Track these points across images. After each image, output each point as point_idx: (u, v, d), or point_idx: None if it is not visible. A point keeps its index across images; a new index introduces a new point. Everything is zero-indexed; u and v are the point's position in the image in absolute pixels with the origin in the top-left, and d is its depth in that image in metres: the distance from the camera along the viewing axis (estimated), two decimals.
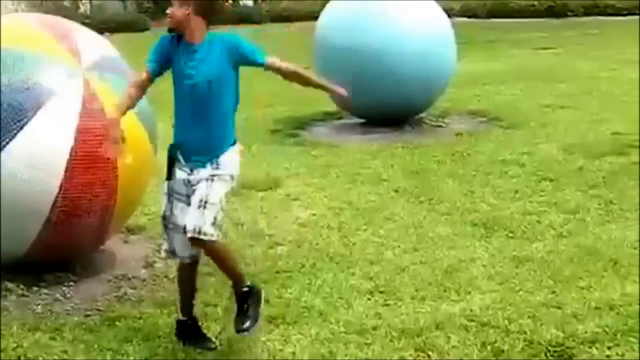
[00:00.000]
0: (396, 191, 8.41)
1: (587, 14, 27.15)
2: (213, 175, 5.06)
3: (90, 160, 5.77)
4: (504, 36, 22.56)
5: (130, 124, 5.83)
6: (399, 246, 6.88)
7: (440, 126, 11.52)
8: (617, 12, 27.08)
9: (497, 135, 10.72)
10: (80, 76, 5.89)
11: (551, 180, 8.61)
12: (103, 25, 23.35)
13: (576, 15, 27.06)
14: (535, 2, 27.40)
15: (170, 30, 5.02)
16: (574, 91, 13.79)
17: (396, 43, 10.86)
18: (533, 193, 8.19)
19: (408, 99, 11.03)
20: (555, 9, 27.09)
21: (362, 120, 11.76)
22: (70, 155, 5.72)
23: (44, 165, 5.71)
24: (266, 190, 8.59)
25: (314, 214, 7.81)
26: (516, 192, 8.25)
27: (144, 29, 26.45)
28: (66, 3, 27.28)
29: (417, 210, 7.82)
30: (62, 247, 6.06)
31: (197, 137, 5.01)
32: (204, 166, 5.03)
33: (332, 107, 12.30)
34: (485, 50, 19.34)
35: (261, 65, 5.38)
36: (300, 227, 7.45)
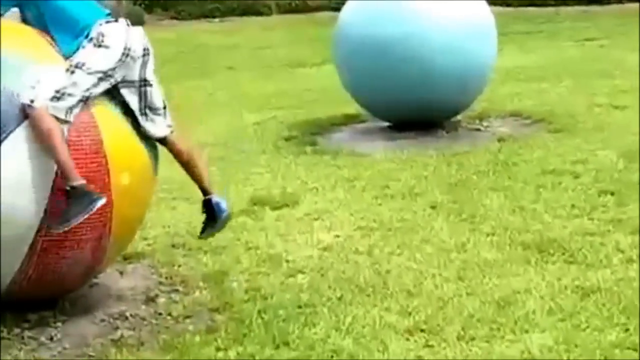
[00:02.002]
0: (432, 207, 8.02)
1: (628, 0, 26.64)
2: None
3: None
4: (540, 27, 22.10)
5: (124, 134, 5.50)
6: (440, 274, 6.50)
7: (479, 130, 11.13)
8: None
9: (546, 140, 10.31)
10: None
11: (612, 194, 8.19)
12: None
13: (620, 2, 26.56)
14: None
15: None
16: (627, 88, 13.34)
17: (427, 35, 10.47)
18: (592, 209, 7.79)
19: (441, 99, 10.63)
20: None
21: (387, 124, 11.36)
22: (57, 174, 5.34)
23: (26, 187, 5.33)
24: (282, 207, 8.22)
25: (339, 236, 7.44)
26: (573, 207, 7.85)
27: (139, 22, 26.14)
28: None
29: (458, 230, 7.43)
30: (47, 282, 5.69)
31: None
32: None
33: (352, 109, 11.94)
34: (520, 43, 18.86)
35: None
36: (323, 252, 7.08)
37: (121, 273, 6.77)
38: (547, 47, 18.09)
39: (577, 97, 12.90)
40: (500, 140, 10.44)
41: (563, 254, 6.80)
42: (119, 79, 5.62)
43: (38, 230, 5.42)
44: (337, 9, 25.65)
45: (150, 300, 6.27)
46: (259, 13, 26.99)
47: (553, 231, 7.29)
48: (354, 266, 6.72)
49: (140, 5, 26.20)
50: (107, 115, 5.60)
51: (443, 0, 10.70)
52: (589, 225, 7.38)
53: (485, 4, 11.18)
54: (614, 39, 19.00)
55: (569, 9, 25.26)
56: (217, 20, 26.81)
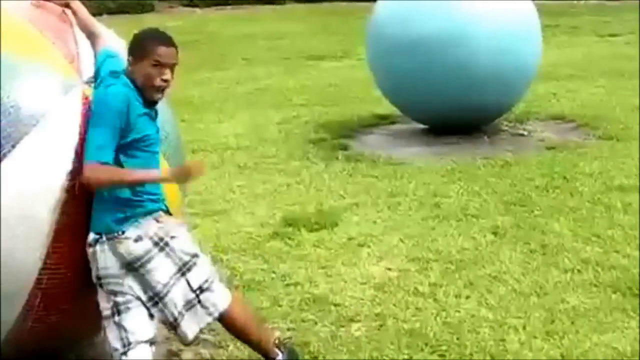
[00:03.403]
0: (494, 233, 6.58)
1: None
2: None
3: (87, 218, 3.98)
4: (559, 20, 20.49)
5: None
6: (523, 327, 5.09)
7: (522, 135, 9.66)
8: None
9: (599, 149, 8.87)
10: (79, 92, 4.10)
11: None
12: (104, 7, 21.49)
13: None
14: None
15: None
16: None
17: (468, 34, 9.02)
18: None
19: (483, 101, 9.21)
20: None
21: (422, 127, 9.90)
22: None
23: (23, 227, 3.89)
24: (320, 229, 6.78)
25: (391, 269, 6.00)
26: None
27: (149, 10, 24.81)
28: None
29: (530, 264, 6.00)
30: (49, 338, 4.28)
31: None
32: None
33: (384, 109, 10.50)
34: (543, 39, 17.34)
35: None
36: (377, 292, 5.65)
37: None
38: (570, 43, 16.58)
39: (616, 98, 11.45)
40: (549, 148, 8.99)
41: None
42: None
43: (37, 281, 3.96)
44: None
45: (173, 355, 4.83)
46: (272, 1, 25.43)
47: None
48: (417, 314, 5.30)
49: None
50: None
51: None
52: None
53: (530, 2, 9.68)
54: (637, 36, 17.46)
55: (585, 2, 23.76)
56: (229, 7, 25.24)
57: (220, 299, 4.23)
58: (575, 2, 23.69)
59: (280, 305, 5.49)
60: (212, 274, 4.26)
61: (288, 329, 5.17)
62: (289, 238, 6.56)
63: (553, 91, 11.82)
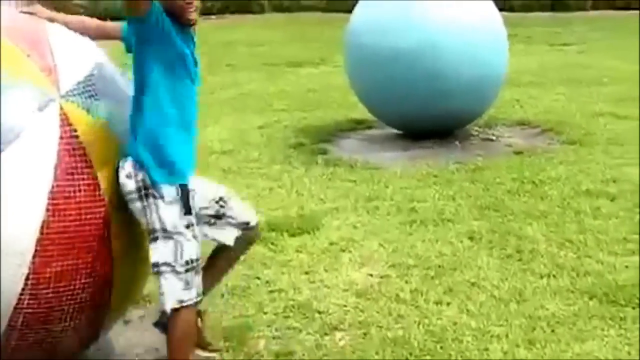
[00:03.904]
0: (470, 238, 6.15)
1: (594, 7, 24.81)
2: None
3: (71, 237, 3.48)
4: (515, 30, 20.08)
5: (111, 151, 3.58)
6: (506, 335, 4.68)
7: (491, 140, 9.23)
8: (626, 7, 24.77)
9: (564, 154, 8.45)
10: (56, 107, 3.58)
11: None
12: (100, 16, 20.83)
13: (583, 9, 24.72)
14: None
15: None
16: (621, 96, 11.51)
17: (439, 44, 8.58)
18: None
19: (456, 108, 8.79)
20: (562, 2, 24.76)
21: (397, 132, 9.45)
22: (42, 232, 3.43)
23: (3, 247, 3.40)
24: (302, 234, 6.31)
25: (373, 275, 5.56)
26: (626, 241, 6.01)
27: None
28: None
29: (507, 269, 5.59)
30: (33, 356, 3.79)
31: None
32: None
33: (360, 114, 10.05)
34: None
35: None
36: (359, 299, 5.20)
37: (126, 322, 4.86)
38: (528, 53, 16.11)
39: (576, 105, 11.05)
40: (517, 153, 8.57)
41: (638, 304, 4.96)
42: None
43: (17, 302, 3.48)
44: (327, 10, 24.16)
45: None
46: (252, 11, 24.88)
47: (616, 274, 5.47)
48: (399, 321, 4.87)
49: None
50: (103, 150, 3.64)
51: (454, 8, 8.76)
52: None
53: (497, 11, 9.26)
54: (589, 45, 17.14)
55: (536, 14, 23.37)
56: (214, 17, 24.67)
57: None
58: (527, 14, 23.29)
59: (265, 313, 5.04)
60: None
61: (273, 337, 4.72)
62: (272, 243, 6.11)
63: (516, 97, 11.40)
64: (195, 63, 3.93)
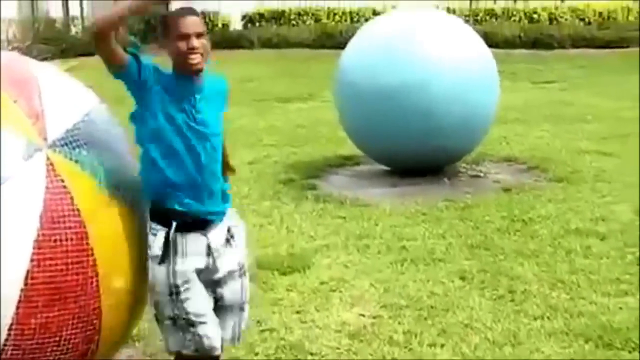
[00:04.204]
0: (462, 278, 5.94)
1: (574, 46, 24.79)
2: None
3: (57, 287, 3.25)
4: (500, 67, 20.01)
5: (115, 223, 3.34)
6: None
7: (479, 177, 9.03)
8: (605, 45, 24.78)
9: (552, 191, 8.26)
10: (43, 157, 3.34)
11: None
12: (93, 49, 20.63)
13: (563, 47, 24.68)
14: (522, 34, 24.99)
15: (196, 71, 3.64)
16: (605, 134, 11.38)
17: (429, 82, 8.38)
18: None
19: (445, 146, 8.57)
20: (543, 40, 24.71)
21: (385, 168, 9.24)
22: (26, 282, 3.19)
23: None
24: (293, 272, 6.09)
25: (365, 315, 5.33)
26: (619, 282, 5.82)
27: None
28: (57, 24, 24.40)
29: (500, 310, 5.37)
30: None
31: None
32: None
33: (348, 149, 9.85)
34: None
35: None
36: (352, 341, 4.98)
37: None
38: (512, 89, 15.94)
39: (561, 142, 10.90)
40: (506, 190, 8.37)
41: (634, 348, 4.74)
42: None
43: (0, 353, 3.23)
44: (314, 46, 24.05)
45: None
46: (242, 47, 24.72)
47: (610, 315, 5.26)
48: None
49: (135, 35, 23.68)
50: (92, 200, 3.40)
51: (446, 45, 8.60)
52: None
53: (487, 49, 9.10)
54: (570, 83, 17.03)
55: (519, 51, 23.31)
56: None
57: None
58: (510, 50, 23.22)
59: (256, 354, 4.81)
60: None
61: None
62: (263, 282, 5.88)
63: (503, 134, 11.24)
64: (195, 119, 3.63)
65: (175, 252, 3.51)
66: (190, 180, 3.55)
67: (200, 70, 3.61)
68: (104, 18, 3.36)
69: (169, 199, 3.53)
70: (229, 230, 3.79)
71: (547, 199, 7.96)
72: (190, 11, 3.61)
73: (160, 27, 3.64)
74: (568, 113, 13.14)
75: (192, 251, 3.56)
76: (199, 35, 3.55)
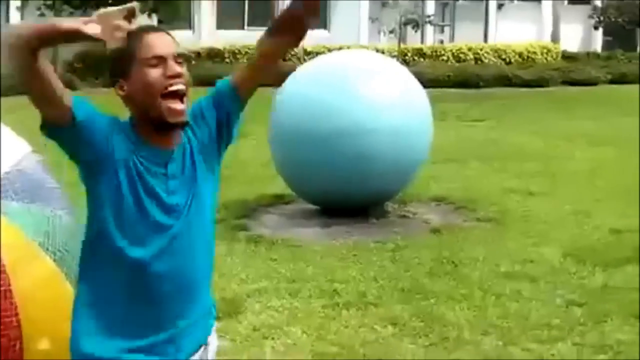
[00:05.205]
0: (394, 324, 5.79)
1: (498, 85, 25.07)
2: None
3: None
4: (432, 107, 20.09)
5: (45, 278, 3.10)
6: None
7: (407, 217, 8.91)
8: (525, 84, 25.13)
9: (481, 233, 8.18)
10: None
11: (580, 305, 6.11)
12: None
13: (487, 86, 24.93)
14: (450, 73, 25.17)
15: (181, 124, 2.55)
16: (532, 172, 11.41)
17: (364, 125, 8.26)
18: (571, 329, 5.67)
19: (377, 187, 8.45)
20: (471, 80, 24.93)
21: (315, 207, 9.07)
22: None
23: None
24: (225, 318, 5.84)
25: None
26: (550, 328, 5.71)
27: (72, 88, 23.23)
28: None
29: (433, 359, 5.17)
30: None
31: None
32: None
33: (278, 188, 9.65)
34: None
35: (234, 89, 2.75)
36: None
37: None
38: (440, 128, 15.86)
39: (489, 181, 10.88)
40: (434, 231, 8.25)
41: None
42: None
43: None
44: None
45: None
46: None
47: None
48: None
49: (73, 72, 23.15)
50: (18, 254, 3.15)
51: (381, 90, 8.49)
52: (580, 355, 5.22)
53: (422, 91, 9.01)
54: (498, 121, 17.15)
55: (447, 90, 23.44)
56: None
57: None
58: (441, 89, 23.34)
59: None
60: None
61: None
62: None
63: (432, 174, 11.13)
64: (167, 208, 2.56)
65: None
66: None
67: (185, 122, 2.57)
68: (31, 27, 2.29)
69: None
70: None
71: (476, 240, 7.87)
72: (155, 28, 2.62)
73: (117, 60, 2.50)
74: (496, 151, 13.17)
75: None
76: (178, 61, 2.53)
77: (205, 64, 24.18)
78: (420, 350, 5.34)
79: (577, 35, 36.74)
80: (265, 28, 2.75)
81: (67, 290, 3.22)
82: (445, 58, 27.86)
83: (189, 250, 2.58)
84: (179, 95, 2.50)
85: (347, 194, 8.37)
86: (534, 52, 29.93)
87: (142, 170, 2.52)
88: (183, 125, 2.55)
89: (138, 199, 2.51)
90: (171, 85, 2.48)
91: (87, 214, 2.57)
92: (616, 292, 6.39)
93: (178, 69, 2.48)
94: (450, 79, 24.69)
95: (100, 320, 2.55)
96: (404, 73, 9.00)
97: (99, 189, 2.50)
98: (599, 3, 35.78)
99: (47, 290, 3.20)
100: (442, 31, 35.47)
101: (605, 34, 37.47)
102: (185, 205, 2.59)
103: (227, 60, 25.93)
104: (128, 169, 2.50)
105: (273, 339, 5.53)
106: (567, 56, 30.94)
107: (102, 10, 2.31)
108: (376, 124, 8.20)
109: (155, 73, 2.46)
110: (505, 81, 25.08)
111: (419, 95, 8.85)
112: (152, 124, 2.53)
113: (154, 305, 2.57)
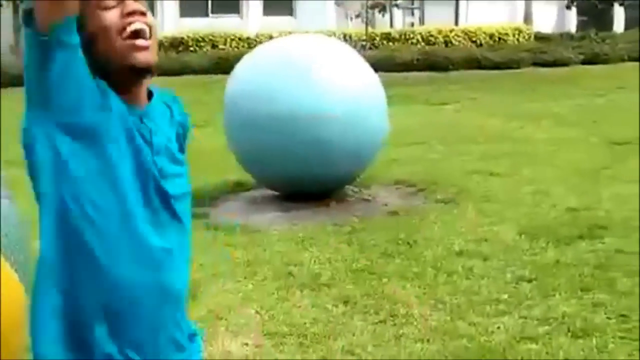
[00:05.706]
0: (345, 303, 5.98)
1: (467, 67, 25.33)
2: None
3: None
4: (395, 90, 20.28)
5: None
6: None
7: (367, 200, 9.12)
8: (496, 66, 25.41)
9: (438, 214, 8.39)
10: None
11: (530, 281, 6.33)
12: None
13: (456, 69, 25.20)
14: (419, 57, 25.43)
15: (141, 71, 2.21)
16: (494, 153, 11.64)
17: (319, 108, 8.44)
18: (518, 304, 5.88)
19: (334, 171, 8.63)
20: (439, 63, 25.19)
21: (275, 193, 9.26)
22: None
23: None
24: None
25: (248, 344, 5.32)
26: (497, 302, 5.91)
27: None
28: None
29: (384, 337, 5.42)
30: None
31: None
32: None
33: (239, 175, 9.83)
34: None
35: None
36: None
37: None
38: (408, 112, 16.18)
39: (452, 163, 11.11)
40: (392, 213, 8.47)
41: None
42: None
43: None
44: (211, 71, 23.97)
45: None
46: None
47: (487, 335, 5.33)
48: None
49: None
50: None
51: (334, 74, 8.68)
52: (526, 328, 5.44)
53: (374, 75, 9.22)
54: (464, 104, 17.38)
55: (415, 74, 23.72)
56: None
57: None
58: (407, 73, 23.60)
59: None
60: None
61: None
62: None
63: (394, 157, 11.35)
64: (156, 176, 2.28)
65: None
66: None
67: (151, 69, 2.24)
68: None
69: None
70: None
71: (433, 221, 8.08)
72: None
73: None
74: (461, 134, 13.40)
75: None
76: (142, 13, 2.20)
77: (169, 54, 24.31)
78: (369, 326, 5.54)
79: (552, 15, 37.06)
80: (230, 15, 2.66)
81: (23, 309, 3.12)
82: (414, 41, 28.08)
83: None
84: (141, 37, 2.19)
85: (306, 179, 8.56)
86: (506, 34, 30.21)
87: None
88: (149, 68, 2.24)
89: None
90: (130, 24, 2.17)
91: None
92: (567, 268, 6.60)
93: (136, 5, 2.17)
94: (419, 62, 24.94)
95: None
96: (356, 57, 9.19)
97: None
98: None
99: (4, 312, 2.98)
100: (412, 14, 35.71)
101: (579, 13, 37.75)
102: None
103: (192, 49, 26.04)
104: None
105: (226, 319, 5.72)
106: (540, 37, 31.26)
107: None
108: (332, 109, 8.37)
109: (111, 14, 2.16)
110: (475, 64, 25.33)
111: (371, 80, 9.05)
112: (118, 77, 2.21)
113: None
